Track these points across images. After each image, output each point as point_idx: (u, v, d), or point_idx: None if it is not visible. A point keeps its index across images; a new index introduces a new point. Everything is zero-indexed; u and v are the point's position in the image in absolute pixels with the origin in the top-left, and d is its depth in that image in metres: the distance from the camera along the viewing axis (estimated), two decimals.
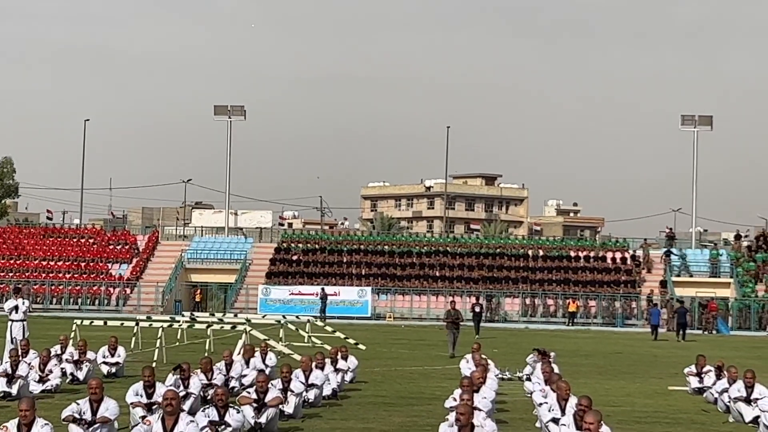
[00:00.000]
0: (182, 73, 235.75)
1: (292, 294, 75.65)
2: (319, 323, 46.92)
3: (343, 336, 40.96)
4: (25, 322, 30.17)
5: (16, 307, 30.35)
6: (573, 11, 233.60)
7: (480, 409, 18.22)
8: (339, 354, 26.90)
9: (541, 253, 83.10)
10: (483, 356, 25.81)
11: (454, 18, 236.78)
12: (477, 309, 59.80)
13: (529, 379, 26.06)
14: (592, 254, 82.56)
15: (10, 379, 23.57)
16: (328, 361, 25.42)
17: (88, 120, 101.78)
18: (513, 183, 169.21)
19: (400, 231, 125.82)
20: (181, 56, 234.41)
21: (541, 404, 19.86)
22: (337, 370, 25.73)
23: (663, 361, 40.74)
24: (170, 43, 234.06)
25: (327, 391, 23.99)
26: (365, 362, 32.06)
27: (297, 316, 48.09)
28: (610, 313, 75.47)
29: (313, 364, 23.64)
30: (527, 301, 76.80)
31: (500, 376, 27.43)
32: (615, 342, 55.03)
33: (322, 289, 73.47)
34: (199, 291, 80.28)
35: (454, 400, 19.16)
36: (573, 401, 18.31)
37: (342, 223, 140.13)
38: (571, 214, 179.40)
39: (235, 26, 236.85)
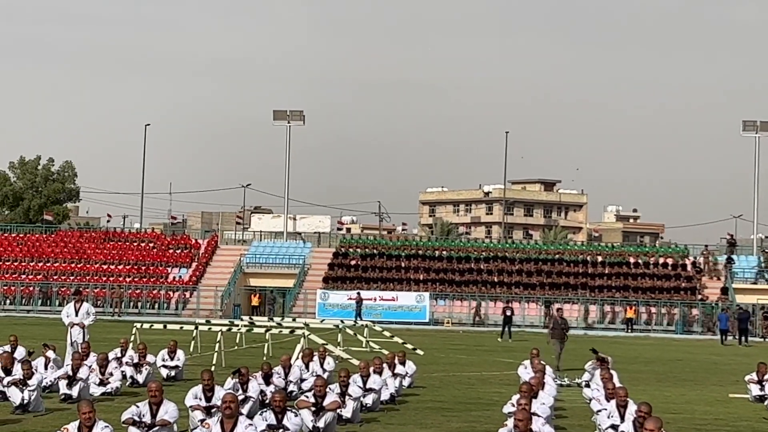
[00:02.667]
0: (242, 78, 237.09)
1: (350, 299, 75.67)
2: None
3: (401, 341, 40.95)
4: (84, 328, 30.36)
5: (77, 311, 30.57)
6: (632, 18, 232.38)
7: (538, 415, 18.15)
8: (397, 359, 26.87)
9: (600, 259, 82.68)
10: (542, 362, 25.72)
11: (513, 23, 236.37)
12: (508, 312, 60.31)
13: (588, 386, 25.92)
14: (651, 260, 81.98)
15: (71, 381, 23.76)
16: (386, 365, 25.41)
17: (148, 125, 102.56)
18: (572, 189, 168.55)
19: (458, 236, 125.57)
20: (240, 61, 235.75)
21: (599, 411, 19.76)
22: (395, 375, 25.71)
23: (723, 369, 40.40)
24: (230, 48, 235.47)
25: (385, 395, 23.98)
26: (423, 367, 32.03)
27: (355, 321, 48.17)
28: (670, 319, 74.94)
29: (371, 368, 23.64)
30: (586, 307, 76.40)
31: (558, 382, 27.30)
32: (675, 349, 54.65)
33: (358, 293, 73.72)
34: (257, 295, 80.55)
35: (513, 405, 19.11)
36: (632, 408, 18.21)
37: (402, 228, 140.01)
38: (631, 220, 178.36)
39: (295, 31, 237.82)
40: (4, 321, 54.91)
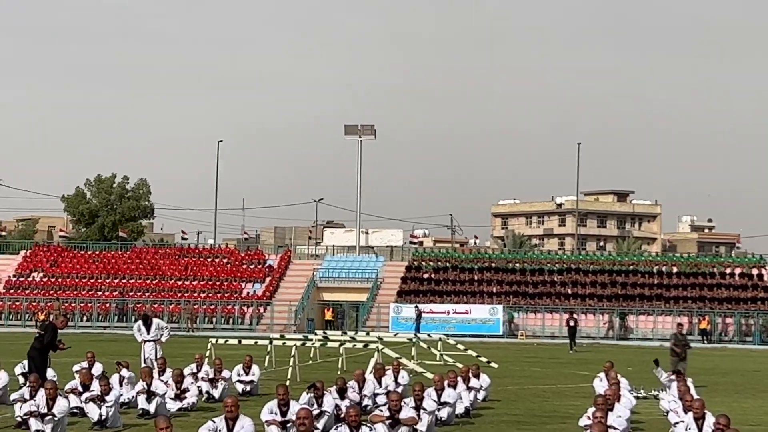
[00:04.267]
0: (313, 94, 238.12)
1: (424, 312, 75.54)
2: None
3: (475, 354, 40.83)
4: (157, 344, 30.55)
5: (148, 329, 30.80)
6: (702, 25, 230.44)
7: (614, 428, 18.05)
8: (471, 372, 26.79)
9: (674, 270, 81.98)
10: (617, 374, 25.52)
11: (583, 34, 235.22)
12: (571, 323, 60.12)
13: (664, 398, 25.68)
14: (728, 271, 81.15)
15: (149, 397, 23.95)
16: (460, 379, 25.33)
17: (221, 141, 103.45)
18: (645, 199, 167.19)
19: (531, 249, 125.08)
20: (312, 77, 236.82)
21: (677, 423, 19.58)
22: (469, 389, 25.63)
23: None
24: (301, 63, 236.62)
25: (460, 409, 23.93)
26: (498, 380, 31.92)
27: (429, 334, 48.11)
28: (747, 330, 74.07)
29: (446, 382, 23.60)
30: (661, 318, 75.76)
31: (635, 394, 27.08)
32: (753, 360, 54.00)
33: (417, 307, 73.71)
34: (330, 310, 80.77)
35: (589, 418, 19.00)
36: (710, 420, 18.02)
37: (474, 241, 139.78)
38: (706, 231, 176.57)
39: (365, 46, 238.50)
40: (81, 337, 55.47)
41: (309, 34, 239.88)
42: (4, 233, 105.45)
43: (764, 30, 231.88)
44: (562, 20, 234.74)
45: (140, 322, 31.32)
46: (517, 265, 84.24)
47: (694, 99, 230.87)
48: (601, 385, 25.58)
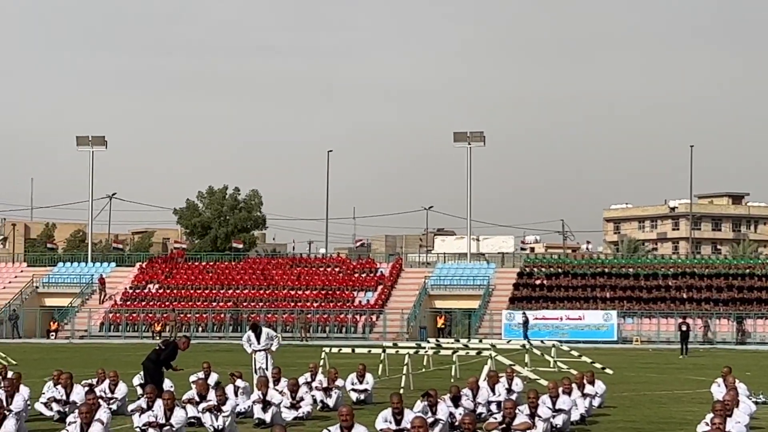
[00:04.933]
0: (421, 102, 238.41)
1: (537, 318, 75.18)
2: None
3: (589, 360, 40.48)
4: (268, 353, 30.73)
5: (258, 338, 31.02)
6: None
7: None
8: (586, 379, 26.56)
9: None
10: (735, 379, 25.13)
11: (694, 34, 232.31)
12: (683, 328, 59.38)
13: None
14: None
15: (265, 406, 24.16)
16: (575, 386, 25.16)
17: (331, 151, 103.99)
18: (761, 201, 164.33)
19: (645, 253, 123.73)
20: (420, 85, 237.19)
21: None
22: (584, 395, 25.44)
23: None
24: (408, 72, 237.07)
25: (575, 416, 23.76)
26: (613, 387, 31.64)
27: (542, 341, 47.79)
28: None
29: (560, 389, 23.45)
30: None
31: (754, 400, 26.64)
32: None
33: (524, 314, 73.28)
34: (442, 317, 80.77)
35: (707, 425, 18.76)
36: None
37: (586, 246, 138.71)
38: None
39: (471, 53, 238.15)
40: (197, 348, 56.03)
41: (416, 41, 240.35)
42: (120, 246, 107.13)
43: None
44: (671, 21, 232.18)
45: (250, 332, 31.58)
46: (631, 270, 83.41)
47: None
48: (719, 390, 25.21)
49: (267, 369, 29.80)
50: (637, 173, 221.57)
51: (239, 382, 25.98)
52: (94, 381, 26.97)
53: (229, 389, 25.20)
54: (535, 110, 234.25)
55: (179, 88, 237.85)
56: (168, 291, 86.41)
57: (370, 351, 38.93)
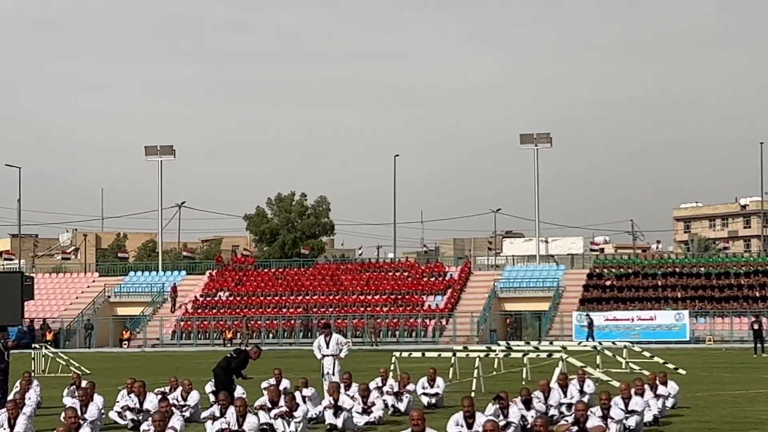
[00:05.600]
0: (487, 104, 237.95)
1: (608, 320, 74.75)
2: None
3: (661, 361, 40.19)
4: (336, 359, 30.80)
5: (327, 343, 31.10)
6: None
7: None
8: (658, 379, 26.34)
9: None
10: None
11: (760, 31, 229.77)
12: (755, 326, 58.81)
13: None
14: None
15: (336, 411, 24.22)
16: (647, 386, 24.97)
17: (397, 155, 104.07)
18: None
19: (717, 252, 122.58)
20: (485, 86, 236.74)
21: None
22: (657, 396, 25.23)
23: None
24: (474, 74, 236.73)
25: (648, 417, 23.57)
26: (686, 387, 31.35)
27: (613, 342, 47.52)
28: None
29: (633, 390, 23.29)
30: None
31: None
32: None
33: (588, 316, 72.82)
34: (511, 320, 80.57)
35: None
36: None
37: (656, 246, 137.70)
38: None
39: (536, 54, 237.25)
40: (268, 354, 56.18)
41: (481, 43, 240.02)
42: (190, 254, 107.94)
43: None
44: (739, 18, 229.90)
45: (321, 337, 31.63)
46: (702, 269, 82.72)
47: None
48: None
49: (334, 374, 29.83)
50: (706, 171, 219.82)
51: (306, 391, 25.88)
52: (167, 389, 27.19)
53: (298, 396, 25.26)
54: (601, 110, 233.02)
55: (246, 95, 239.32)
56: (238, 298, 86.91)
57: (440, 355, 38.86)
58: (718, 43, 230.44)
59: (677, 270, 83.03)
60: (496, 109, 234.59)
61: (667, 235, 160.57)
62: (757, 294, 77.96)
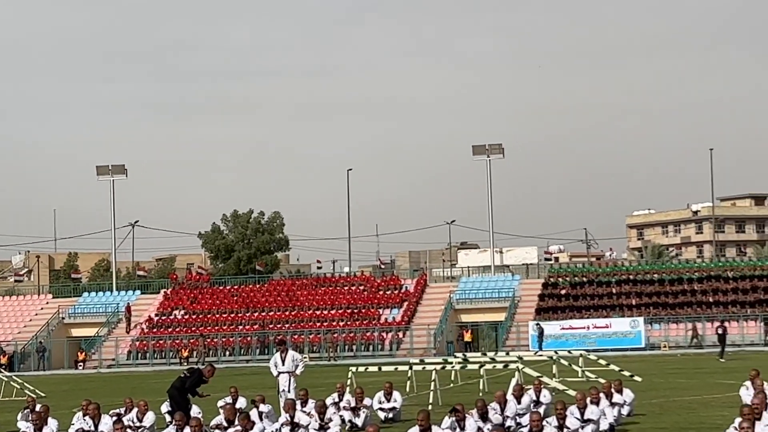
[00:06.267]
0: (439, 116, 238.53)
1: (563, 328, 75.10)
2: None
3: (617, 369, 40.37)
4: (292, 375, 30.74)
5: (283, 360, 31.03)
6: None
7: None
8: (614, 387, 26.46)
9: None
10: (763, 381, 25.01)
11: (709, 37, 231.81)
12: (720, 331, 59.65)
13: None
14: None
15: (293, 429, 24.14)
16: (602, 395, 25.06)
17: (350, 169, 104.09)
18: None
19: (669, 258, 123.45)
20: (436, 99, 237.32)
21: None
22: (612, 404, 25.34)
23: None
24: (425, 86, 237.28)
25: (604, 426, 23.65)
26: (642, 394, 31.53)
27: (569, 351, 47.71)
28: None
29: (588, 399, 23.37)
30: None
31: None
32: None
33: (538, 325, 73.26)
34: (469, 331, 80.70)
35: (735, 429, 18.65)
36: None
37: (610, 254, 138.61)
38: None
39: (487, 65, 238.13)
40: (224, 372, 56.16)
41: (433, 55, 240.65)
42: (144, 273, 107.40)
43: None
44: (689, 25, 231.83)
45: (277, 354, 31.57)
46: (656, 276, 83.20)
47: None
48: (747, 394, 25.08)
49: (289, 391, 29.78)
50: (658, 178, 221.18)
51: (262, 407, 25.91)
52: (122, 410, 27.01)
53: (253, 414, 25.22)
54: (552, 119, 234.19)
55: (197, 113, 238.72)
56: (194, 316, 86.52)
57: (396, 368, 38.89)
58: (668, 51, 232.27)
59: (631, 277, 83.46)
60: (448, 121, 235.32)
61: (621, 242, 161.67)
62: (711, 299, 78.48)
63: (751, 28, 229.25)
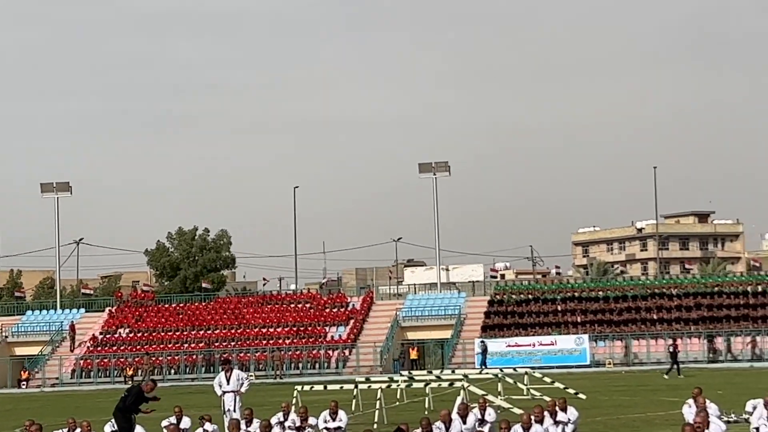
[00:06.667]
0: (385, 133, 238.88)
1: (509, 346, 75.37)
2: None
3: (562, 386, 40.58)
4: (237, 394, 30.65)
5: (228, 379, 30.96)
6: None
7: None
8: (558, 405, 26.53)
9: (760, 289, 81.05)
10: (706, 399, 25.21)
11: (653, 57, 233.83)
12: (671, 349, 60.09)
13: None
14: None
15: None
16: (547, 413, 25.14)
17: (297, 187, 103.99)
18: (727, 219, 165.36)
19: (614, 276, 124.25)
20: (383, 117, 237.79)
21: None
22: (557, 423, 25.39)
23: None
24: (371, 105, 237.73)
25: None
26: (586, 411, 31.66)
27: (515, 369, 47.90)
28: None
29: (532, 417, 23.46)
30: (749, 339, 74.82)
31: (725, 419, 26.72)
32: None
33: (482, 342, 73.68)
34: (415, 348, 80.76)
35: None
36: None
37: (556, 271, 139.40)
38: None
39: (432, 83, 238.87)
40: (169, 391, 55.84)
41: (379, 72, 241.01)
42: (89, 291, 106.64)
43: None
44: (631, 45, 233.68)
45: (222, 373, 31.52)
46: (600, 293, 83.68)
47: None
48: (689, 411, 25.28)
49: (235, 411, 29.71)
50: (603, 196, 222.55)
51: (208, 426, 25.83)
52: (65, 431, 26.80)
53: None
54: (497, 137, 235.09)
55: (144, 130, 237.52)
56: (139, 334, 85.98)
57: (342, 387, 38.87)
58: (612, 70, 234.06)
59: (576, 294, 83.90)
60: (394, 139, 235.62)
61: (566, 259, 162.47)
62: (655, 316, 79.04)
63: (693, 46, 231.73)
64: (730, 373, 59.19)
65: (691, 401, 26.04)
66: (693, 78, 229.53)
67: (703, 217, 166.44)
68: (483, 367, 66.19)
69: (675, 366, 59.42)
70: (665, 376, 56.55)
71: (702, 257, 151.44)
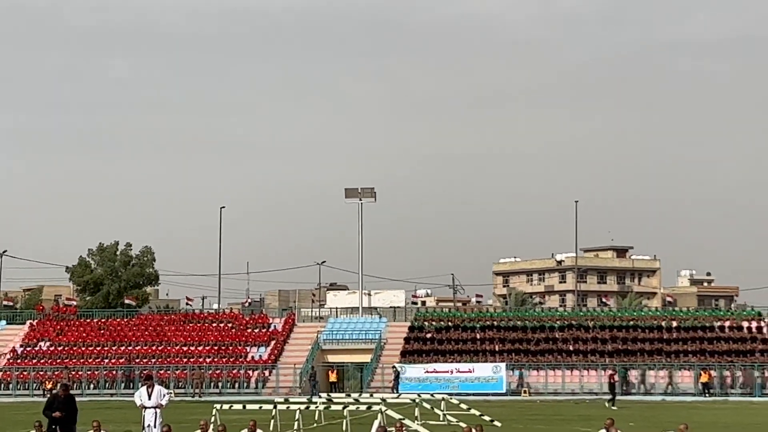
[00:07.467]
0: (313, 158, 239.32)
1: (427, 372, 76.24)
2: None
3: (477, 413, 41.41)
4: (158, 410, 31.12)
5: (150, 395, 31.41)
6: (695, 79, 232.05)
7: None
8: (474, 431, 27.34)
9: (675, 324, 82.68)
10: (618, 430, 26.16)
11: (578, 92, 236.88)
12: (610, 380, 61.37)
13: None
14: (727, 324, 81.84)
15: None
16: None
17: (223, 207, 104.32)
18: (644, 254, 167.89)
19: (533, 306, 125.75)
20: (310, 141, 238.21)
21: None
22: None
23: None
24: (299, 128, 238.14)
25: None
26: None
27: (432, 394, 48.69)
28: (748, 382, 74.62)
29: None
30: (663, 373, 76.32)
31: None
32: (754, 413, 54.57)
33: (394, 367, 74.87)
34: (334, 371, 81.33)
35: None
36: None
37: (476, 300, 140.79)
38: (705, 284, 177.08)
39: (362, 110, 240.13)
40: (88, 405, 55.92)
41: (308, 96, 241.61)
42: (11, 303, 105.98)
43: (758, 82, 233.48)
44: (557, 83, 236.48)
45: (143, 388, 31.98)
46: (519, 322, 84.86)
47: (689, 153, 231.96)
48: None
49: (155, 427, 30.19)
50: (524, 228, 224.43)
51: None
52: None
53: None
54: (424, 166, 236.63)
55: (69, 145, 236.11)
56: (59, 348, 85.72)
57: (261, 407, 39.40)
58: (538, 102, 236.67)
59: (495, 323, 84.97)
60: (321, 163, 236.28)
61: (487, 289, 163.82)
62: (571, 347, 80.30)
63: (612, 83, 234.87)
64: (642, 406, 60.46)
65: (603, 431, 26.98)
66: (613, 114, 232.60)
67: (621, 252, 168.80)
68: (395, 392, 67.21)
69: (613, 396, 61.27)
70: (611, 406, 57.73)
71: (619, 291, 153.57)
